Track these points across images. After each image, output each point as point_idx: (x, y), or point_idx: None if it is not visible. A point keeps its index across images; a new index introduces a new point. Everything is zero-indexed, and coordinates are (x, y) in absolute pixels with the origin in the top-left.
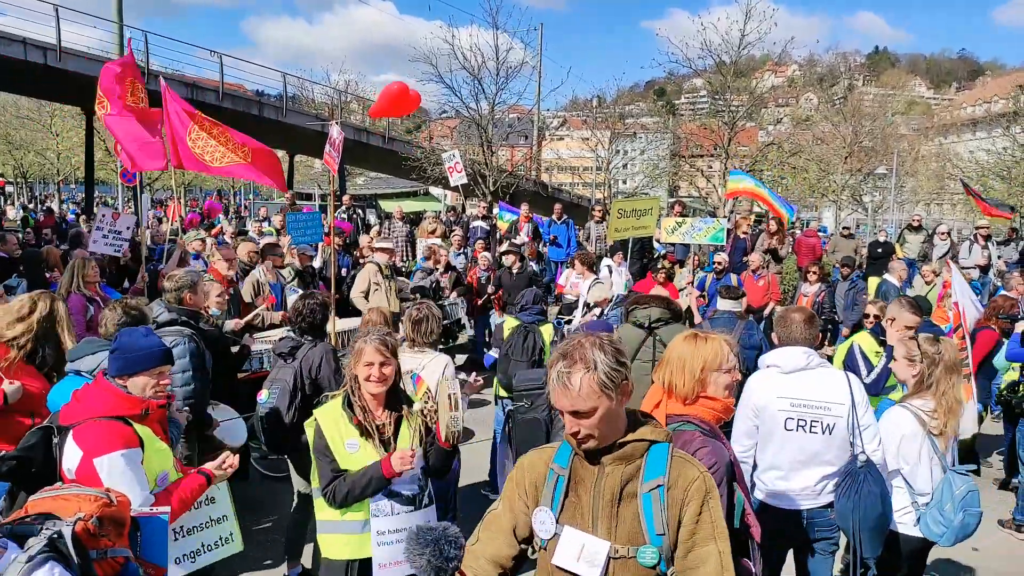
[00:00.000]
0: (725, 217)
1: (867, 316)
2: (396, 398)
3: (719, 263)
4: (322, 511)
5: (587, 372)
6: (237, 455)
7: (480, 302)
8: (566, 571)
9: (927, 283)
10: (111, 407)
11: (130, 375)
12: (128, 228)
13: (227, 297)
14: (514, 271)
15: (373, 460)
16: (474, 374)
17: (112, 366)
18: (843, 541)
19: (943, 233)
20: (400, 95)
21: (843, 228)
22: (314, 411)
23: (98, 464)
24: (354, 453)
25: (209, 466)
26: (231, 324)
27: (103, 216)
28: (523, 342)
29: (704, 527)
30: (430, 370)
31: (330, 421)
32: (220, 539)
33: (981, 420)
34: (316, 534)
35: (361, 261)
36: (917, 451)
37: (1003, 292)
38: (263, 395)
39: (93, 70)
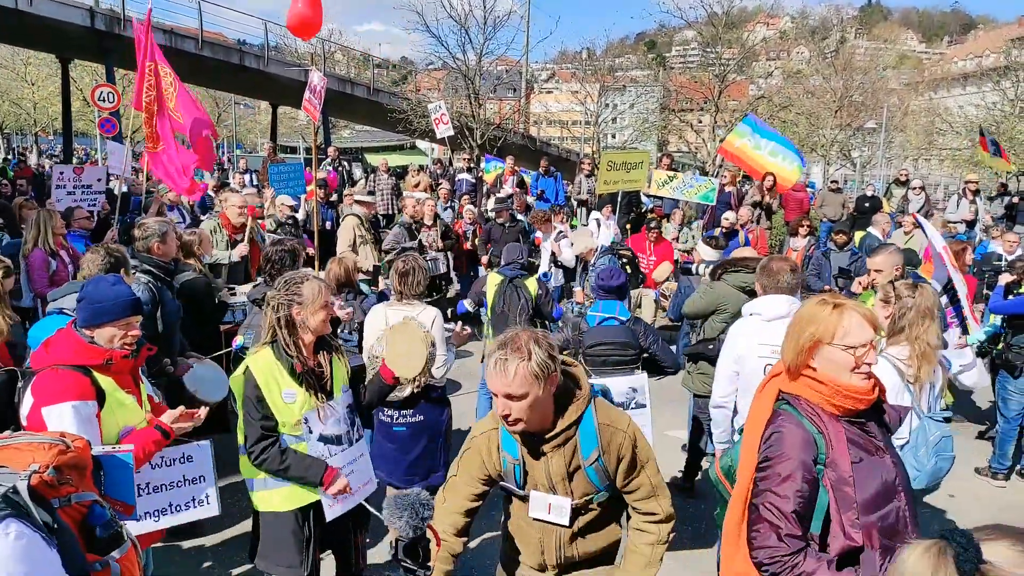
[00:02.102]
0: (715, 172)
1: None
2: (324, 340)
3: (726, 221)
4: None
5: (522, 361)
6: (204, 407)
7: (467, 246)
8: (542, 520)
9: (906, 233)
10: (72, 356)
11: (96, 326)
12: (100, 180)
13: (232, 240)
14: (505, 226)
15: (309, 408)
16: (460, 323)
17: (79, 316)
18: None
19: (916, 188)
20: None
21: (831, 182)
22: (246, 361)
23: (46, 414)
24: (291, 403)
25: (164, 419)
26: (237, 251)
27: (61, 174)
28: (516, 297)
29: (633, 460)
30: (420, 322)
31: (265, 370)
32: (193, 500)
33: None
34: (255, 491)
35: (342, 215)
36: (895, 400)
37: (958, 239)
38: (238, 340)
39: (65, 15)
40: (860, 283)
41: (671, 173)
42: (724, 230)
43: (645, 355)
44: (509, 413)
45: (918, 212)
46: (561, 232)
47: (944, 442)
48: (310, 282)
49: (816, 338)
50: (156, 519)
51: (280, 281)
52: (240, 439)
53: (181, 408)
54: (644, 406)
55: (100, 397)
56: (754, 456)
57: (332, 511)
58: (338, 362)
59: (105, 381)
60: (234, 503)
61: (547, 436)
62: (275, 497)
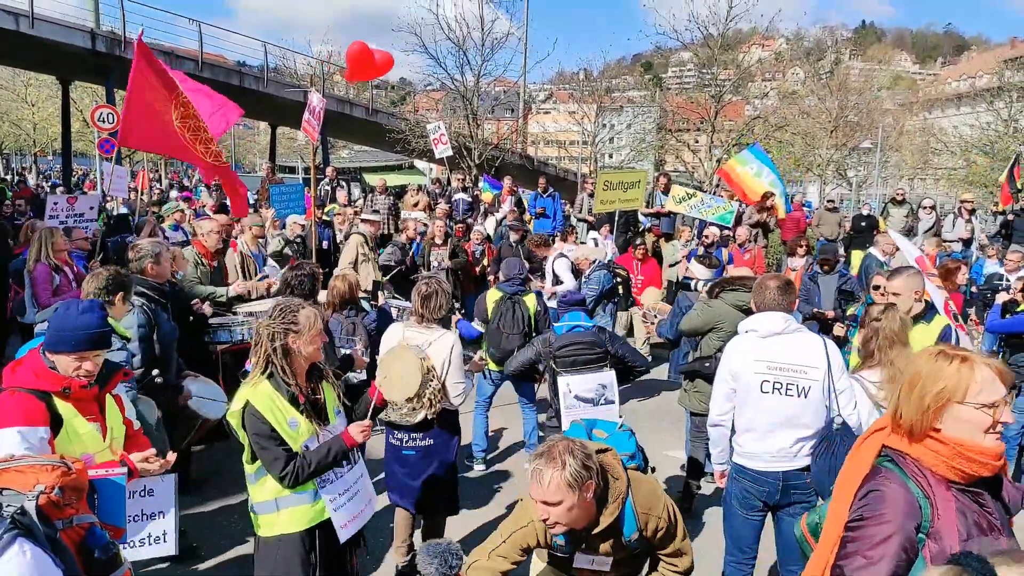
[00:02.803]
0: (712, 192)
1: (876, 288)
2: (314, 366)
3: (707, 236)
4: (272, 491)
5: (556, 471)
6: (174, 454)
7: (476, 271)
8: (585, 569)
9: (885, 254)
10: (33, 380)
11: (55, 352)
12: (92, 208)
13: (210, 268)
14: (514, 245)
15: (310, 435)
16: (480, 352)
17: (45, 339)
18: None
19: (928, 207)
20: (361, 55)
21: (827, 202)
22: (245, 396)
23: None
24: (296, 431)
25: (134, 458)
26: (235, 290)
27: (55, 204)
28: (512, 314)
29: (668, 534)
30: (437, 347)
31: (266, 402)
32: (149, 537)
33: None
34: (264, 515)
35: (343, 232)
36: (865, 421)
37: (953, 258)
38: (251, 363)
39: (67, 37)
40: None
41: (690, 191)
42: (705, 245)
43: (616, 361)
44: (548, 517)
45: (927, 231)
46: (561, 254)
47: None
48: (305, 310)
49: (946, 397)
50: None
51: (275, 310)
52: (250, 469)
53: (152, 451)
54: (612, 402)
55: (56, 423)
56: (844, 514)
57: (344, 532)
58: (328, 387)
59: (64, 407)
60: (230, 524)
61: (593, 532)
62: (285, 519)
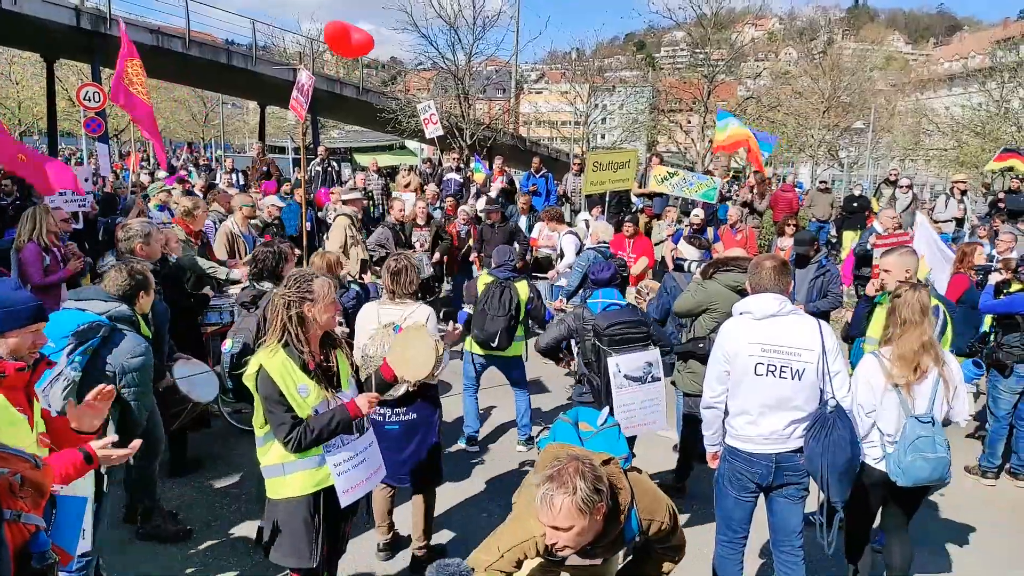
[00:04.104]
0: (705, 172)
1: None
2: (328, 335)
3: (695, 218)
4: (278, 456)
5: (567, 495)
6: (138, 441)
7: (460, 254)
8: (577, 565)
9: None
10: None
11: (1, 335)
12: (87, 180)
13: (195, 247)
14: (495, 226)
15: (320, 401)
16: (452, 323)
17: None
18: (816, 488)
19: (904, 186)
20: (340, 33)
21: (820, 182)
22: (258, 359)
23: None
24: (306, 397)
25: (94, 445)
26: (237, 273)
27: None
28: (499, 297)
29: (668, 533)
30: (412, 321)
31: (278, 367)
32: None
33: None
34: (271, 478)
35: (332, 215)
36: (879, 397)
37: (943, 239)
38: (227, 344)
39: (51, 14)
40: (873, 285)
41: (671, 169)
42: (693, 227)
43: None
44: (557, 542)
45: (904, 210)
46: (571, 231)
47: (921, 441)
48: (320, 280)
49: None
50: None
51: (290, 279)
52: (259, 432)
53: (112, 437)
54: (659, 379)
55: None
56: None
57: (347, 497)
58: (343, 356)
59: None
60: (223, 507)
61: (598, 543)
62: (290, 482)
